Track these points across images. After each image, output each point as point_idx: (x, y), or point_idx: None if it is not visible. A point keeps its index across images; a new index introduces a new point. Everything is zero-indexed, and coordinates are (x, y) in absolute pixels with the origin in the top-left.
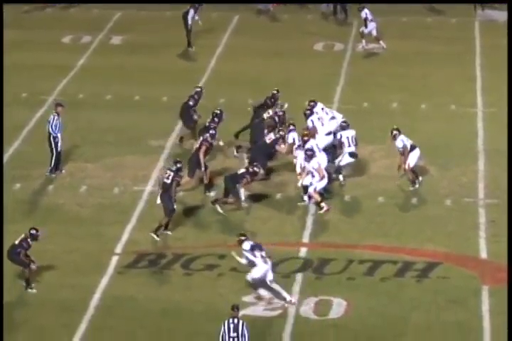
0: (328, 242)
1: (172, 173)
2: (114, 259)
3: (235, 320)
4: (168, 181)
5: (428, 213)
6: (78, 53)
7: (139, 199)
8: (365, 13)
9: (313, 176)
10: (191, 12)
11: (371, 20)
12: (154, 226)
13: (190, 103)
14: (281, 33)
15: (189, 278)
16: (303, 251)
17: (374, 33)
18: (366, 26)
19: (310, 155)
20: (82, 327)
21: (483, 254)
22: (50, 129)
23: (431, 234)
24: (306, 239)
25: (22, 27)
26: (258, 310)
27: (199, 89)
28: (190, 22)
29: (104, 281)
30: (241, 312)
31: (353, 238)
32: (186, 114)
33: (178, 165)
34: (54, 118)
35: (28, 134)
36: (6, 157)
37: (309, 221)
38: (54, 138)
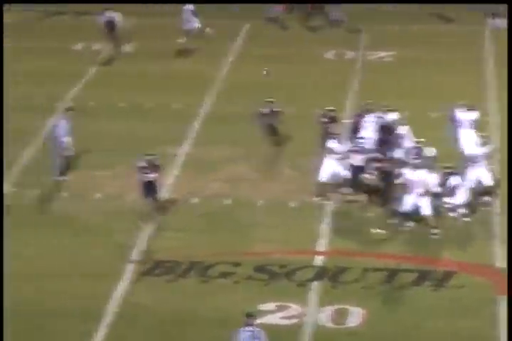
0: (343, 250)
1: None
2: (131, 267)
3: (252, 328)
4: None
5: (443, 222)
6: (90, 61)
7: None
8: None
9: None
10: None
11: None
12: (170, 235)
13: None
14: (292, 40)
15: (205, 286)
16: (318, 259)
17: None
18: None
19: None
20: (100, 335)
21: (498, 263)
22: (58, 133)
23: (446, 243)
24: (321, 247)
25: (35, 35)
26: (274, 319)
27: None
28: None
29: (120, 289)
30: (257, 321)
31: (369, 246)
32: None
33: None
34: (62, 123)
35: (42, 141)
36: (21, 164)
37: (325, 229)
38: (61, 142)
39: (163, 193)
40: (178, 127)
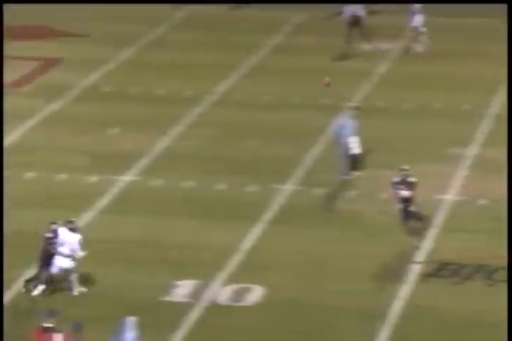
0: None
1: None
2: (415, 268)
3: None
4: None
5: None
6: (377, 60)
7: (439, 207)
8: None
9: None
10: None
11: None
12: (456, 236)
13: None
14: None
15: (491, 289)
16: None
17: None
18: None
19: None
20: (383, 335)
21: None
22: (344, 133)
23: None
24: None
25: (317, 33)
26: None
27: None
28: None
29: (404, 290)
30: None
31: None
32: None
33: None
34: (349, 122)
35: (329, 140)
36: (306, 163)
37: None
38: (347, 141)
39: (449, 195)
40: (467, 128)
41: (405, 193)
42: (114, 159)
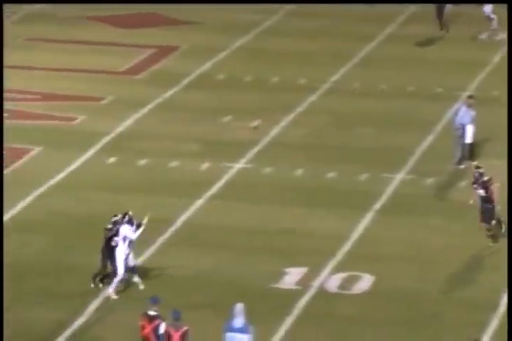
0: None
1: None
2: None
3: None
4: None
5: None
6: (493, 49)
7: None
8: None
9: None
10: None
11: None
12: None
13: None
14: None
15: None
16: None
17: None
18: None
19: None
20: (493, 325)
21: None
22: (460, 121)
23: None
24: None
25: (431, 22)
26: None
27: None
28: None
29: None
30: None
31: None
32: None
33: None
34: (464, 111)
35: (442, 129)
36: (418, 151)
37: None
38: (463, 130)
39: None
40: None
41: (481, 192)
42: (226, 146)
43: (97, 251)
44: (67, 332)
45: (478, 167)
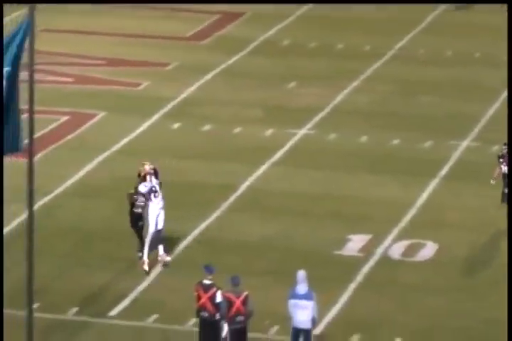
0: None
1: None
2: None
3: None
4: None
5: None
6: None
7: None
8: None
9: None
10: None
11: None
12: None
13: None
14: None
15: None
16: None
17: None
18: None
19: None
20: None
21: None
22: None
23: None
24: None
25: None
26: None
27: None
28: None
29: None
30: None
31: None
32: None
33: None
34: None
35: (506, 98)
36: (484, 119)
37: None
38: None
39: None
40: None
41: (504, 169)
42: (290, 113)
43: None
44: (131, 297)
45: (506, 144)
